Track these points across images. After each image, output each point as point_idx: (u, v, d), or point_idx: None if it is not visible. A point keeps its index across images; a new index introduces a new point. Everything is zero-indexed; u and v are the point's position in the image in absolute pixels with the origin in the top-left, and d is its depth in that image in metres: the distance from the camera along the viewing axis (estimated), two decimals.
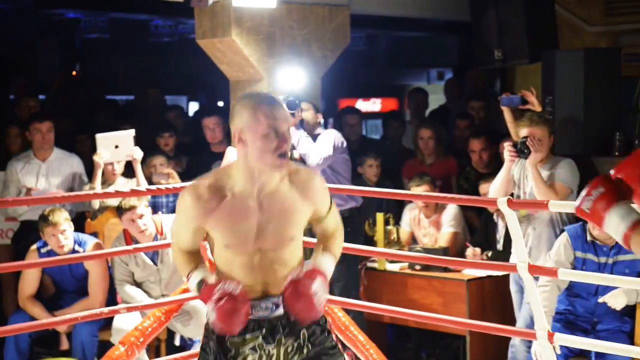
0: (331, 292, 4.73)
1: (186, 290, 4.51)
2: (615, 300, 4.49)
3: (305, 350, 2.93)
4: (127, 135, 5.70)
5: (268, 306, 2.89)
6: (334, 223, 3.10)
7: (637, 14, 6.98)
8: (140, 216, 5.13)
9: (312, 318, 2.89)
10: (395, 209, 6.08)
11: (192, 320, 5.08)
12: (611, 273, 4.48)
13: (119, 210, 5.17)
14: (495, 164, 5.71)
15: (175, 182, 5.56)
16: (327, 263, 2.98)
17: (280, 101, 3.00)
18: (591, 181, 2.55)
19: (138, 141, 5.74)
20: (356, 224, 5.83)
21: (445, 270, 5.35)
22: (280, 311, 2.89)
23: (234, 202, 2.86)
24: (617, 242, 4.56)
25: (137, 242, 5.14)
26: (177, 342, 5.32)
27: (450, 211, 5.78)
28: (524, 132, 4.91)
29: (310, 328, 2.94)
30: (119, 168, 5.76)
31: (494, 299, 5.29)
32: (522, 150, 4.82)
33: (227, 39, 5.80)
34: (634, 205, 2.44)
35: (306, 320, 2.89)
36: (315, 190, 2.96)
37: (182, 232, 2.96)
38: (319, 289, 2.83)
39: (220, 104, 9.77)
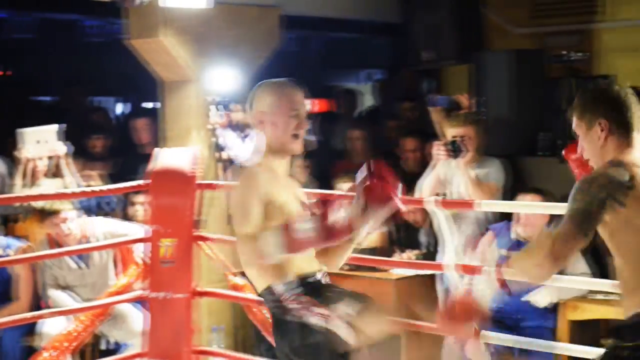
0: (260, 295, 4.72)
1: (113, 294, 4.47)
2: (539, 298, 4.58)
3: None
4: (50, 131, 5.56)
5: None
6: None
7: (562, 15, 7.11)
8: (64, 220, 5.02)
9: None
10: None
11: (120, 324, 5.03)
12: None
13: (42, 214, 5.07)
14: (424, 165, 5.77)
15: (97, 184, 5.47)
16: None
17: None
18: None
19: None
20: None
21: (373, 270, 5.39)
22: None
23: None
24: None
25: (60, 246, 5.02)
26: (102, 347, 5.25)
27: None
28: (454, 132, 4.97)
29: None
30: (42, 165, 5.60)
31: (422, 298, 5.32)
32: (454, 150, 4.87)
33: (157, 39, 5.75)
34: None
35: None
36: None
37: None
38: None
39: (150, 105, 9.69)
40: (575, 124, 2.74)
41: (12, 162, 5.77)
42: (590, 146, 2.71)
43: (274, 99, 3.02)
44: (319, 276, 3.00)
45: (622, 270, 2.63)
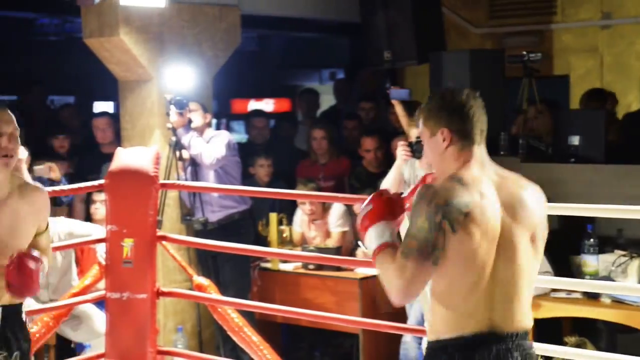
0: (225, 294, 4.71)
1: (75, 295, 4.42)
2: None
3: None
4: None
5: None
6: (45, 243, 3.23)
7: (520, 16, 7.19)
8: None
9: (31, 293, 3.07)
10: (288, 210, 6.09)
11: (82, 325, 4.98)
12: None
13: None
14: (386, 164, 5.79)
15: (56, 177, 5.40)
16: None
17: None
18: (370, 197, 2.69)
19: (25, 142, 5.54)
20: (247, 225, 5.82)
21: (338, 269, 5.40)
22: None
23: None
24: None
25: None
26: (72, 345, 5.20)
27: (336, 211, 5.83)
28: (414, 132, 4.98)
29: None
30: None
31: (386, 297, 5.34)
32: (417, 150, 4.89)
33: (115, 38, 5.70)
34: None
35: (23, 294, 3.06)
36: (41, 207, 3.16)
37: None
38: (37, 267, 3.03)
39: (109, 104, 9.61)
40: (420, 129, 2.68)
41: None
42: (432, 154, 2.65)
43: None
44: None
45: (439, 292, 2.54)
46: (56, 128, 6.60)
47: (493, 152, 5.50)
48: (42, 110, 7.55)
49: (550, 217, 4.84)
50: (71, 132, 6.67)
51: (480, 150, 2.62)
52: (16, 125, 3.10)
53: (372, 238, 2.63)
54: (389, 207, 2.68)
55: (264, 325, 5.40)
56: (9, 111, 3.12)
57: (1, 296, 3.05)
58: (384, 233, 2.60)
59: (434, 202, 2.47)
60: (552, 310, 4.58)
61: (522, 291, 2.55)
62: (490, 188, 2.54)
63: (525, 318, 2.57)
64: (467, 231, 2.46)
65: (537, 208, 2.61)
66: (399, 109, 5.59)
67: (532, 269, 2.58)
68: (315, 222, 5.88)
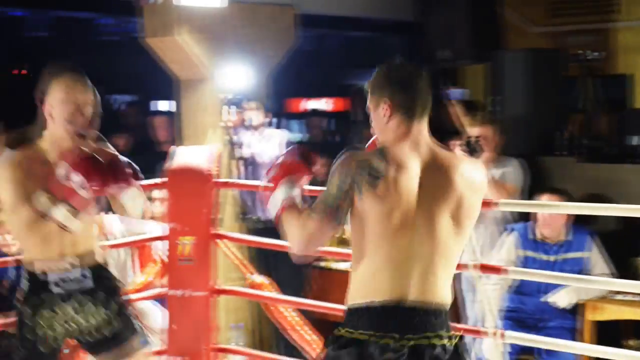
0: (283, 293, 4.73)
1: (133, 292, 4.47)
2: (561, 299, 4.56)
3: (114, 323, 3.15)
4: None
5: (78, 278, 3.08)
6: None
7: (580, 15, 7.09)
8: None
9: None
10: None
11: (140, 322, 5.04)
12: (558, 271, 4.54)
13: None
14: None
15: None
16: None
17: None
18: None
19: None
20: None
21: None
22: (90, 283, 3.09)
23: None
24: (563, 241, 4.65)
25: None
26: None
27: None
28: (474, 131, 4.96)
29: (119, 301, 3.15)
30: None
31: None
32: (474, 149, 4.86)
33: (174, 37, 5.76)
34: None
35: None
36: None
37: None
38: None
39: (166, 103, 9.71)
40: (368, 100, 2.67)
41: None
42: (376, 125, 2.64)
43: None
44: None
45: (354, 260, 2.61)
46: (116, 127, 6.70)
47: (549, 151, 5.50)
48: (103, 109, 7.64)
49: (610, 219, 4.80)
50: (130, 131, 6.76)
51: (419, 126, 2.60)
52: (92, 97, 3.15)
53: (275, 198, 2.66)
54: (300, 164, 2.74)
55: (319, 323, 5.39)
56: (85, 79, 3.16)
57: (87, 258, 3.13)
58: (288, 192, 2.65)
59: (347, 166, 2.52)
60: (612, 313, 4.52)
61: (438, 267, 2.54)
62: (415, 163, 2.55)
63: (438, 294, 2.54)
64: (376, 198, 2.49)
65: (468, 188, 2.58)
66: (458, 109, 5.56)
67: (452, 246, 2.56)
68: None
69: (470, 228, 2.61)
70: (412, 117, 2.59)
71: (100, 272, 3.18)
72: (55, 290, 3.08)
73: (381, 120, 2.60)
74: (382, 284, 2.53)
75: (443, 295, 2.57)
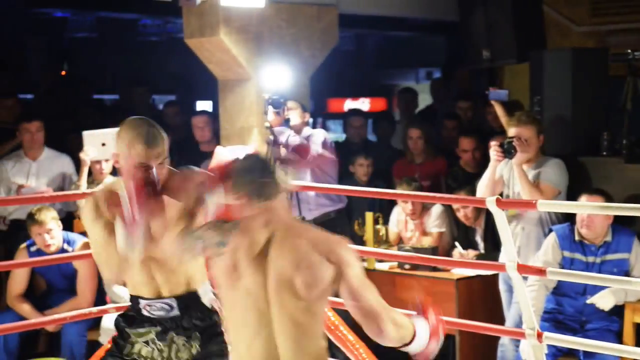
0: None
1: None
2: (603, 301, 4.52)
3: (194, 351, 3.13)
4: (111, 134, 5.63)
5: (164, 307, 3.10)
6: None
7: (623, 14, 7.01)
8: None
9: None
10: (385, 209, 6.08)
11: None
12: (599, 272, 4.50)
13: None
14: (483, 164, 5.74)
15: None
16: None
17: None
18: None
19: None
20: (343, 224, 5.84)
21: (434, 269, 5.36)
22: (176, 312, 3.10)
23: None
24: (605, 242, 4.60)
25: None
26: None
27: (434, 212, 5.79)
28: (511, 131, 4.93)
29: (203, 331, 3.13)
30: (107, 167, 5.73)
31: (483, 298, 5.30)
32: (508, 150, 4.83)
33: (215, 38, 5.80)
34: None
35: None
36: None
37: None
38: None
39: (207, 103, 9.76)
40: None
41: (76, 159, 5.86)
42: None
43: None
44: None
45: None
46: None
47: (594, 152, 5.44)
48: (146, 110, 7.72)
49: None
50: (173, 131, 6.80)
51: None
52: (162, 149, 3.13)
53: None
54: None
55: (356, 324, 5.40)
56: (161, 138, 3.15)
57: (175, 288, 3.13)
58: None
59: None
60: None
61: None
62: None
63: None
64: None
65: None
66: (498, 110, 5.55)
67: None
68: (413, 221, 5.86)
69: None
70: None
71: (188, 302, 3.15)
72: (145, 313, 3.13)
73: None
74: None
75: None
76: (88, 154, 5.53)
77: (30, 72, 10.11)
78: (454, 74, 8.15)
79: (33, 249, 5.19)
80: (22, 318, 5.09)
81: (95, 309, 4.37)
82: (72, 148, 6.43)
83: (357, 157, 6.29)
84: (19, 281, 5.27)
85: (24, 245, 5.24)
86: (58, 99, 8.13)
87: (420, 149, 6.35)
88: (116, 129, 5.83)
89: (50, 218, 5.15)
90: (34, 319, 4.97)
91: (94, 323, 5.19)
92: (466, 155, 6.08)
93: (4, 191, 5.83)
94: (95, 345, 4.98)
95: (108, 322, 5.06)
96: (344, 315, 4.72)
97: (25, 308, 5.21)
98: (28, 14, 9.82)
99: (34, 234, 5.14)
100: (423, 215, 5.84)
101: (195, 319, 3.14)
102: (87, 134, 5.56)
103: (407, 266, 5.51)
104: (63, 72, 9.92)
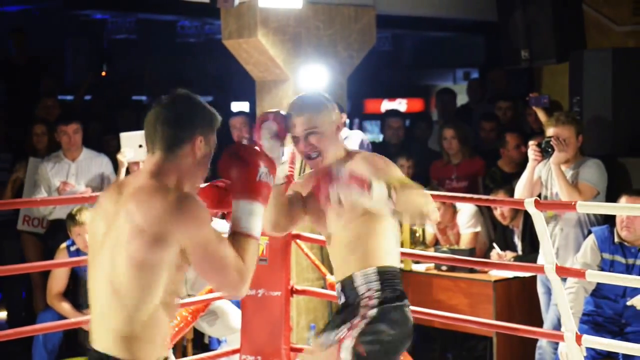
0: None
1: (212, 290, 4.53)
2: None
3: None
4: None
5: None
6: None
7: None
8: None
9: None
10: None
11: (218, 320, 5.10)
12: (638, 274, 4.45)
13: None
14: (522, 165, 5.69)
15: None
16: None
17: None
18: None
19: None
20: None
21: (471, 271, 5.33)
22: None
23: None
24: None
25: None
26: (206, 340, 5.35)
27: (467, 212, 5.75)
28: (550, 131, 4.90)
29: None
30: None
31: (521, 300, 5.26)
32: (546, 150, 4.80)
33: (253, 39, 5.81)
34: None
35: None
36: None
37: None
38: None
39: (242, 104, 9.79)
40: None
41: (114, 160, 5.92)
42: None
43: None
44: None
45: None
46: None
47: (635, 153, 5.37)
48: None
49: None
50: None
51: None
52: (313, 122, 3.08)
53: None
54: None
55: None
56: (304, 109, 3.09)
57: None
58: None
59: None
60: None
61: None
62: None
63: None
64: None
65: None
66: (542, 116, 5.51)
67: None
68: (450, 222, 5.84)
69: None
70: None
71: None
72: None
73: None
74: None
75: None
76: (125, 155, 5.59)
77: (70, 74, 10.22)
78: (488, 75, 8.10)
79: (73, 248, 5.24)
80: (62, 317, 5.14)
81: None
82: (109, 149, 6.50)
83: (397, 158, 6.27)
84: (59, 281, 5.32)
85: (64, 245, 5.30)
86: (97, 101, 8.21)
87: (455, 149, 6.30)
88: None
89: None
90: (73, 318, 5.02)
91: None
92: (511, 151, 6.01)
93: (45, 191, 5.91)
94: None
95: None
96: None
97: (65, 307, 5.26)
98: (68, 16, 9.92)
99: (74, 235, 5.19)
100: (454, 218, 5.80)
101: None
102: (124, 136, 5.62)
103: (444, 267, 5.48)
104: (103, 74, 10.01)
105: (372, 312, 2.95)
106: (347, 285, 3.02)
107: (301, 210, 3.17)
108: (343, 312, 3.05)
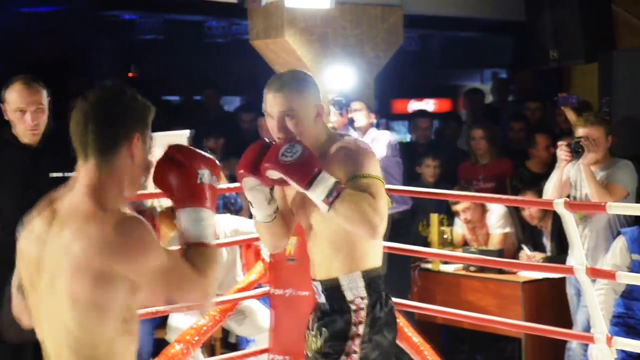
0: None
1: (240, 290, 4.54)
2: None
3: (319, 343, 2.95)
4: (181, 135, 5.73)
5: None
6: None
7: None
8: None
9: None
10: (450, 211, 6.03)
11: (247, 320, 5.11)
12: None
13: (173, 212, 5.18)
14: (550, 165, 5.66)
15: (222, 182, 5.57)
16: None
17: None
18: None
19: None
20: (407, 226, 5.82)
21: (500, 272, 5.31)
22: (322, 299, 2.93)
23: None
24: None
25: None
26: (232, 340, 5.36)
27: (496, 213, 5.72)
28: (579, 132, 4.87)
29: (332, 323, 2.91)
30: None
31: (551, 301, 5.23)
32: (576, 150, 4.76)
33: (281, 39, 5.82)
34: None
35: None
36: None
37: None
38: None
39: None
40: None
41: None
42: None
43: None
44: None
45: None
46: (229, 129, 6.79)
47: None
48: (215, 111, 7.79)
49: None
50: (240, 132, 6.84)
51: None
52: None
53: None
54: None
55: (424, 326, 5.37)
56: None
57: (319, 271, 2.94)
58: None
59: None
60: None
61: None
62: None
63: None
64: None
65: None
66: (571, 116, 5.48)
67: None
68: (479, 222, 5.81)
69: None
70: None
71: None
72: None
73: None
74: None
75: None
76: (154, 155, 5.58)
77: (98, 74, 10.28)
78: (515, 75, 8.07)
79: None
80: None
81: (162, 308, 4.41)
82: None
83: (424, 158, 6.26)
84: None
85: None
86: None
87: (484, 150, 6.28)
88: (182, 131, 5.94)
89: None
90: None
91: (161, 322, 5.25)
92: (541, 151, 5.98)
93: None
94: (162, 344, 5.03)
95: (175, 321, 5.13)
96: (409, 317, 4.71)
97: None
98: (96, 17, 9.99)
99: None
100: (484, 218, 5.77)
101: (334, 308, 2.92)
102: (155, 136, 5.62)
103: (472, 268, 5.46)
104: (131, 74, 10.06)
105: (363, 328, 2.82)
106: (331, 288, 2.88)
107: (290, 212, 2.95)
108: (326, 317, 2.93)
